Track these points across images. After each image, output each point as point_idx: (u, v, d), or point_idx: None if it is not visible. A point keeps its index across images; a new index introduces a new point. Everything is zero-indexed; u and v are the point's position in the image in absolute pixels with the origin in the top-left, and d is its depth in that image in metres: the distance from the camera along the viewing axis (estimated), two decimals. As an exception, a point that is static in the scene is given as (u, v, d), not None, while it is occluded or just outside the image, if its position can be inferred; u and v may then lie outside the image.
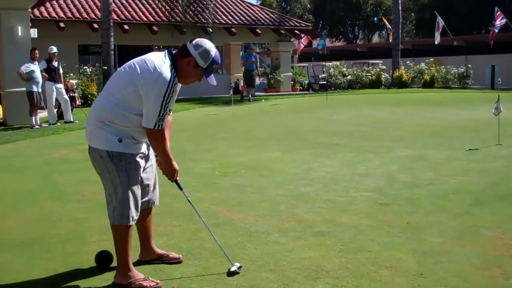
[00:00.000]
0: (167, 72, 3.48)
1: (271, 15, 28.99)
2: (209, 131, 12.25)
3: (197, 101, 20.88)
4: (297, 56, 36.84)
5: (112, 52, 20.06)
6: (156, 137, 3.59)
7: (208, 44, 3.64)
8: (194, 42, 3.64)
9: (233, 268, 3.79)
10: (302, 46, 29.83)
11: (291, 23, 29.01)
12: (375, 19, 62.46)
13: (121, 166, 3.63)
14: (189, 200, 4.00)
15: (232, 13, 27.42)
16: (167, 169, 3.78)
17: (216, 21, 25.10)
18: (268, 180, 6.97)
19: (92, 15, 23.31)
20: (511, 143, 9.33)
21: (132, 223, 3.72)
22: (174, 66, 3.57)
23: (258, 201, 5.94)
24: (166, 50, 3.71)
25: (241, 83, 24.47)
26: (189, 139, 10.96)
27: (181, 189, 3.96)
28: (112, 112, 3.58)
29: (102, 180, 3.75)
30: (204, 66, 3.62)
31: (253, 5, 29.96)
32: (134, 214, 3.70)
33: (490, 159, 8.04)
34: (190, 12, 23.55)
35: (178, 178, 3.85)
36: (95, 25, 22.51)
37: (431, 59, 29.58)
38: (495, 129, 9.68)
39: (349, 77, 28.80)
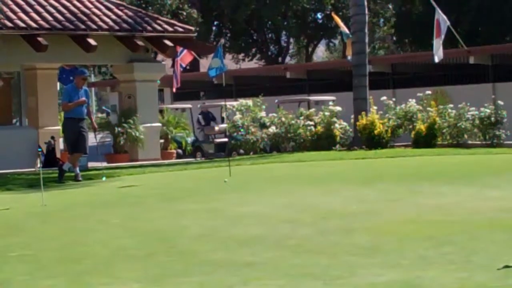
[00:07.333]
0: None
1: (117, 10, 18.94)
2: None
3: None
4: (173, 90, 25.78)
5: None
6: None
7: None
8: None
9: None
10: (181, 69, 21.54)
11: (155, 25, 18.83)
12: (319, 16, 40.59)
13: None
14: None
15: (40, 8, 17.64)
16: None
17: (8, 23, 16.53)
18: None
19: None
20: None
21: None
22: None
23: None
24: None
25: (61, 146, 17.62)
26: None
27: None
28: None
29: None
30: None
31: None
32: None
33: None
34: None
35: None
36: None
37: (428, 92, 19.52)
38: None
39: (272, 129, 19.55)
